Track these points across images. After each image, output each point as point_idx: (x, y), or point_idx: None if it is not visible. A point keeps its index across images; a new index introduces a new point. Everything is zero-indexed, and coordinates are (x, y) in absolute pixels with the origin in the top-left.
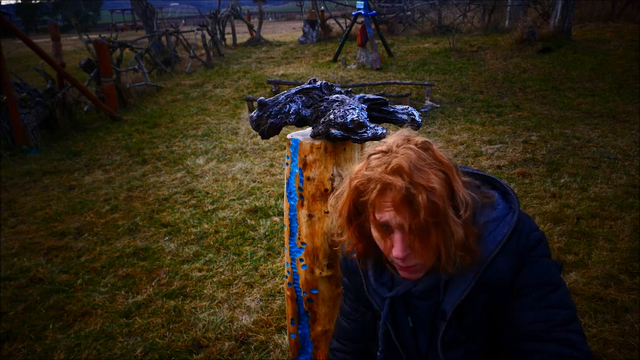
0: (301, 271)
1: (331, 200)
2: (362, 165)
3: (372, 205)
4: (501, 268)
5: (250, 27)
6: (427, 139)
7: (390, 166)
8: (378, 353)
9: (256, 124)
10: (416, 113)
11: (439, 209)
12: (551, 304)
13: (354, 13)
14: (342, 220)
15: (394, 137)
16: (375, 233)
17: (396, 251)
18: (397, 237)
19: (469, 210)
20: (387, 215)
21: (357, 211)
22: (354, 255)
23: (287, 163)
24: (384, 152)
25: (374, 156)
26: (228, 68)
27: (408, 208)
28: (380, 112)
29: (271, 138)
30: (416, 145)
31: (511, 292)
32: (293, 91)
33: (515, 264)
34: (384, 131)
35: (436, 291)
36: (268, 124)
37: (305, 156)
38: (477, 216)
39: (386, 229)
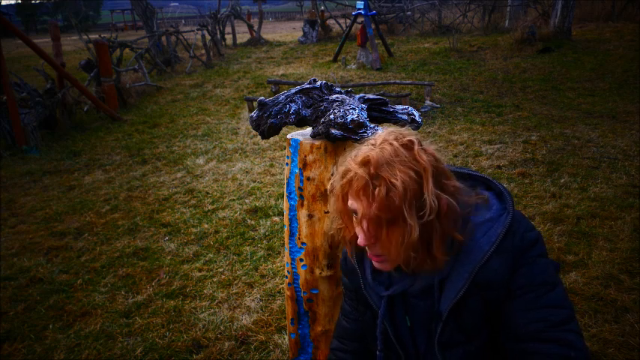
0: (301, 271)
1: (329, 186)
2: (352, 153)
3: (344, 189)
4: (496, 268)
5: (250, 27)
6: (415, 139)
7: (362, 157)
8: (377, 352)
9: (256, 124)
10: (416, 113)
11: (394, 206)
12: (548, 304)
13: (354, 13)
14: (339, 203)
15: (386, 132)
16: (353, 220)
17: (359, 239)
18: (361, 225)
19: (434, 214)
20: (354, 203)
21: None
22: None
23: (287, 163)
24: (370, 144)
25: (362, 146)
26: (228, 68)
27: (367, 199)
28: (380, 112)
29: (271, 138)
30: (399, 142)
31: (507, 292)
32: (293, 91)
33: (511, 264)
34: None
35: (433, 291)
36: (268, 124)
37: (305, 156)
38: (469, 217)
39: (356, 216)
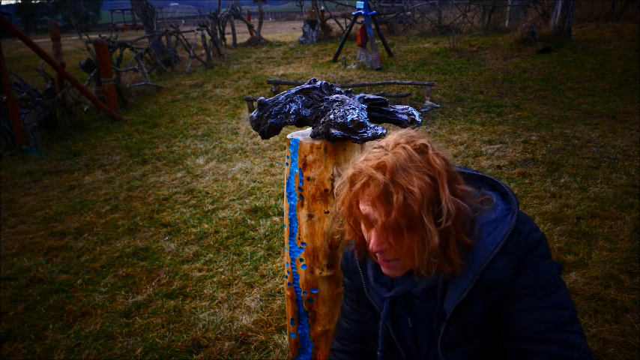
0: (301, 271)
1: (336, 187)
2: (361, 157)
3: (356, 195)
4: (501, 268)
5: (250, 27)
6: (427, 142)
7: (377, 162)
8: (378, 353)
9: (256, 124)
10: (416, 113)
11: (413, 213)
12: (551, 305)
13: (354, 13)
14: (344, 208)
15: (396, 135)
16: (362, 224)
17: (371, 244)
18: (373, 231)
19: (451, 220)
20: (367, 209)
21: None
22: (353, 246)
23: (287, 163)
24: (381, 147)
25: (372, 150)
26: (228, 68)
27: (383, 205)
28: (380, 112)
29: (271, 138)
30: (412, 146)
31: (511, 292)
32: (293, 91)
33: (515, 265)
34: (384, 131)
35: (436, 292)
36: (268, 124)
37: (305, 156)
38: (475, 219)
39: (367, 222)
